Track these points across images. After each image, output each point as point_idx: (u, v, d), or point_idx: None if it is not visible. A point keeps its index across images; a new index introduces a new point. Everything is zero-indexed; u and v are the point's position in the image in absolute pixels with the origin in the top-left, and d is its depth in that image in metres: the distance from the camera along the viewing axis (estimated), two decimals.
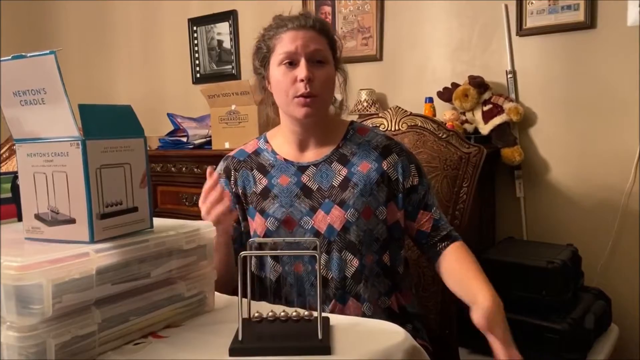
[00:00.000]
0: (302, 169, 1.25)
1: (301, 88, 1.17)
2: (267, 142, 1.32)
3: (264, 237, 1.24)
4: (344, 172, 1.24)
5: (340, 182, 1.23)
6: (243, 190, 1.28)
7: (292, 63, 1.19)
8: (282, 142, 1.29)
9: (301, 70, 1.17)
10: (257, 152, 1.31)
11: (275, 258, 1.23)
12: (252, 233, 1.28)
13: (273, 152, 1.29)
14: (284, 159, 1.27)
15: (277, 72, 1.21)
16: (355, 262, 1.20)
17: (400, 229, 1.27)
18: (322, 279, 1.20)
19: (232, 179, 1.29)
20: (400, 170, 1.25)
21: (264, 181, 1.26)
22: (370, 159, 1.25)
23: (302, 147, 1.27)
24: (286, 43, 1.19)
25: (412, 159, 1.28)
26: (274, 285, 1.25)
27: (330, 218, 1.21)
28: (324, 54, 1.20)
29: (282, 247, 1.23)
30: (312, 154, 1.27)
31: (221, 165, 1.32)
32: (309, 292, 1.21)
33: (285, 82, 1.19)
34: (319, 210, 1.22)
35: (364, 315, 1.21)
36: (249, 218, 1.28)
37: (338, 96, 1.33)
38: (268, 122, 1.34)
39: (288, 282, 1.23)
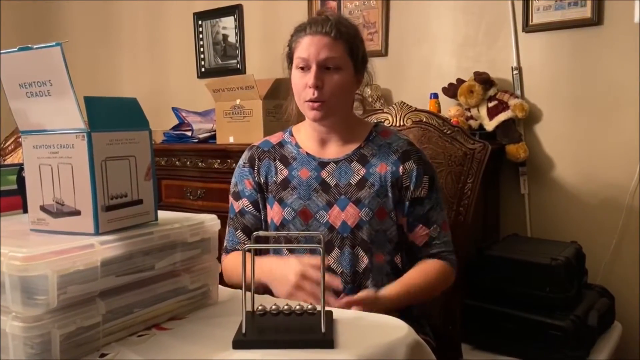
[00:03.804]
0: (322, 164, 1.29)
1: (310, 94, 1.22)
2: (292, 135, 1.36)
3: (280, 225, 1.27)
4: (362, 171, 1.27)
5: (358, 180, 1.26)
6: (265, 180, 1.32)
7: (305, 68, 1.23)
8: (305, 137, 1.33)
9: (310, 78, 1.22)
10: (281, 144, 1.35)
11: (289, 248, 1.26)
12: (269, 221, 1.31)
13: (297, 145, 1.33)
14: (307, 153, 1.31)
15: (294, 74, 1.27)
16: (366, 259, 1.24)
17: (405, 235, 1.29)
18: (333, 273, 1.23)
19: (255, 168, 1.33)
20: (414, 179, 1.26)
21: (285, 172, 1.30)
22: (388, 161, 1.27)
23: (323, 143, 1.31)
24: (302, 49, 1.23)
25: (428, 170, 1.29)
26: None
27: (344, 215, 1.24)
28: (337, 60, 1.22)
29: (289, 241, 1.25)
30: (334, 152, 1.30)
31: (246, 154, 1.37)
32: (318, 281, 1.22)
33: (298, 86, 1.25)
34: (334, 205, 1.25)
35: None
36: (267, 206, 1.31)
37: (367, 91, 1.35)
38: (290, 117, 1.39)
39: None
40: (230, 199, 1.36)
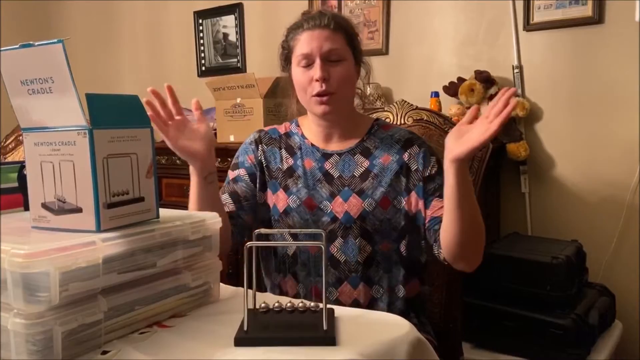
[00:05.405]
0: (326, 156, 1.31)
1: (317, 87, 1.22)
2: (298, 126, 1.37)
3: (283, 212, 1.28)
4: (366, 164, 1.28)
5: (361, 173, 1.28)
6: (267, 164, 1.33)
7: (308, 64, 1.23)
8: (309, 130, 1.34)
9: (316, 71, 1.21)
10: (288, 134, 1.36)
11: (293, 235, 1.28)
12: (271, 207, 1.31)
13: (302, 136, 1.34)
14: (311, 144, 1.32)
15: (296, 72, 1.26)
16: (369, 248, 1.25)
17: (423, 218, 1.27)
18: (335, 261, 1.25)
19: (260, 149, 1.34)
20: (421, 160, 1.27)
21: (290, 161, 1.32)
22: (392, 151, 1.28)
23: (327, 138, 1.32)
24: (302, 45, 1.23)
25: (433, 152, 1.30)
26: (288, 260, 1.28)
27: (347, 205, 1.25)
28: (339, 52, 1.23)
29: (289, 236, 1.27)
30: (337, 145, 1.32)
31: (254, 135, 1.38)
32: (319, 273, 1.24)
33: (303, 82, 1.24)
34: (337, 196, 1.26)
35: (372, 298, 1.25)
36: (269, 191, 1.32)
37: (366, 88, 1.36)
38: (293, 116, 1.39)
39: (301, 260, 1.27)
40: (228, 172, 1.36)
